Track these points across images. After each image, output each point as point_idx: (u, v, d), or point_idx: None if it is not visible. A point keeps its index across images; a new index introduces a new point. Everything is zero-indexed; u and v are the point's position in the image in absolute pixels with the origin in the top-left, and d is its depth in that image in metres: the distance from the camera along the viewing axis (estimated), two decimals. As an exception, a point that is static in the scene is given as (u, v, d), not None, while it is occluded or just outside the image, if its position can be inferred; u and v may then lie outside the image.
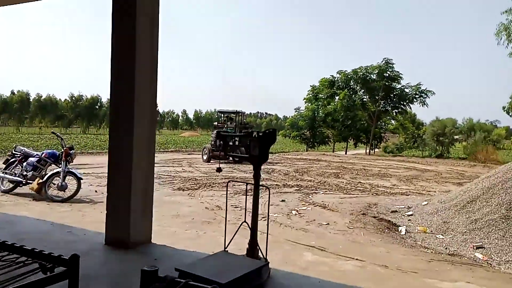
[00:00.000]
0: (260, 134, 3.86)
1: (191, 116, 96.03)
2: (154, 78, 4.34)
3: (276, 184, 11.29)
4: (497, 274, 4.65)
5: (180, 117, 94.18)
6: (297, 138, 36.10)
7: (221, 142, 4.03)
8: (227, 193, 4.06)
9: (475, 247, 5.69)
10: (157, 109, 4.61)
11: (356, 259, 4.79)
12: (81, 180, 7.94)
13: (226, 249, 3.98)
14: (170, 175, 12.21)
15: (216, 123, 19.49)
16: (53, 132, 9.77)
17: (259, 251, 3.91)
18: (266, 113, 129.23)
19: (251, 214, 3.89)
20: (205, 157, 17.52)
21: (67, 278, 1.42)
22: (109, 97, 4.52)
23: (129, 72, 4.17)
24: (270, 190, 4.16)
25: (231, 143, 3.96)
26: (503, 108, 29.57)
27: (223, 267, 3.50)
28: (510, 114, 29.25)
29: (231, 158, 15.89)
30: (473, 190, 7.53)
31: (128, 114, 4.22)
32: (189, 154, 22.81)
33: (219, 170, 4.04)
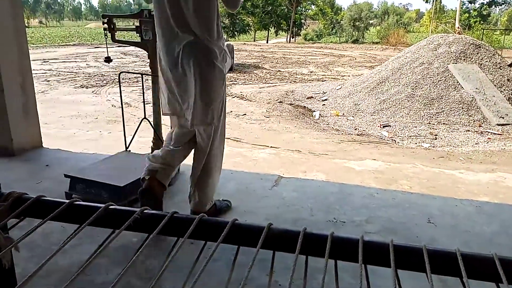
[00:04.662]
0: (152, 13, 3.21)
1: (95, 4, 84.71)
2: None
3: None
4: (400, 150, 4.96)
5: (83, 6, 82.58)
6: (216, 27, 34.07)
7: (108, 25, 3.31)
8: (120, 85, 3.50)
9: (382, 126, 5.99)
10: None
11: (271, 147, 4.75)
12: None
13: (128, 149, 3.60)
14: (71, 72, 10.86)
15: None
16: None
17: (165, 147, 3.58)
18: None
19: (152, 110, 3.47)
20: None
21: None
22: None
23: None
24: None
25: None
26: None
27: (123, 169, 3.14)
28: (421, -3, 30.08)
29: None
30: (382, 72, 7.73)
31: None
32: (95, 47, 20.50)
33: (108, 60, 3.40)
